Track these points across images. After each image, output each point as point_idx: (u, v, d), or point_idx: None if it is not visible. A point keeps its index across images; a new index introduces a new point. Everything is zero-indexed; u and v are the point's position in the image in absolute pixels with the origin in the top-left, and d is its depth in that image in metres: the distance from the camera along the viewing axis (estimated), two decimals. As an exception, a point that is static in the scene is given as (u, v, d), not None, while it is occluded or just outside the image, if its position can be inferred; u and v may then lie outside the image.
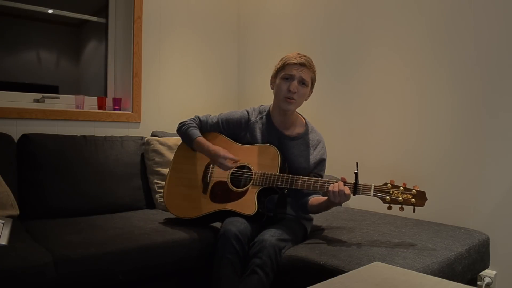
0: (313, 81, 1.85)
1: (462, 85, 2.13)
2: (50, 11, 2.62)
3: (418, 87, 2.29)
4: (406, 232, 1.86)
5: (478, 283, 2.02)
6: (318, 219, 2.10)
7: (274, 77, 1.88)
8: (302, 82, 1.80)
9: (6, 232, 1.57)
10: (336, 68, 2.66)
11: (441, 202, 2.18)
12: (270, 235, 1.66)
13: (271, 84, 1.91)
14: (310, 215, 1.96)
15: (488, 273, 2.02)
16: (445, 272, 1.54)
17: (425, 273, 1.40)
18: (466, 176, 2.11)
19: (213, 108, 3.05)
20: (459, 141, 2.13)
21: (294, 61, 1.79)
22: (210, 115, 2.00)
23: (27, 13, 2.55)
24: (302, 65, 1.79)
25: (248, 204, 1.76)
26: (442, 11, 2.19)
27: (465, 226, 2.02)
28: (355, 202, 2.54)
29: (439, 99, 2.21)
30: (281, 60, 1.85)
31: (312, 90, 1.88)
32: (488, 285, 2.03)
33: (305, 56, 1.83)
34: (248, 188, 1.80)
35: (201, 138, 1.90)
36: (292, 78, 1.79)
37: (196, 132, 1.93)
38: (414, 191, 1.58)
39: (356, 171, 1.64)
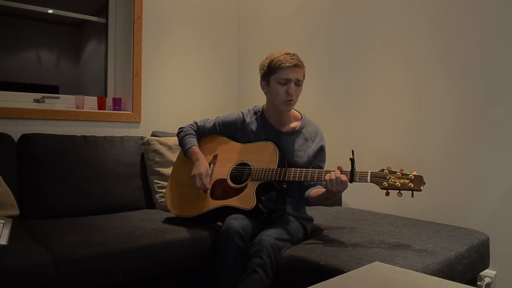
0: (304, 77, 1.86)
1: (464, 82, 2.13)
2: (50, 11, 2.62)
3: (419, 85, 2.29)
4: (406, 232, 1.86)
5: (478, 283, 2.02)
6: (318, 219, 2.10)
7: (265, 79, 1.87)
8: (298, 84, 1.82)
9: (6, 232, 1.58)
10: (336, 65, 2.66)
11: (441, 202, 2.18)
12: (269, 235, 1.66)
13: (262, 88, 1.90)
14: (310, 215, 1.97)
15: (488, 273, 2.02)
16: (445, 272, 1.54)
17: (425, 273, 1.40)
18: (466, 176, 2.11)
19: (213, 108, 3.06)
20: (459, 140, 2.13)
21: (288, 64, 1.78)
22: (208, 119, 2.04)
23: (27, 13, 2.55)
24: (295, 66, 1.79)
25: (247, 198, 1.76)
26: (444, 8, 2.19)
27: (465, 226, 2.02)
28: (355, 202, 2.54)
29: (440, 98, 2.21)
30: (270, 61, 1.82)
31: None
32: (488, 285, 2.03)
33: (293, 54, 1.82)
34: (247, 184, 1.81)
35: (195, 148, 1.95)
36: (289, 81, 1.80)
37: (191, 141, 1.98)
38: (411, 175, 1.57)
39: (352, 158, 1.63)
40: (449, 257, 1.59)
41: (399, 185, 1.57)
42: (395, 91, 2.39)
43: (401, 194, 1.57)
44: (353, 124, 2.57)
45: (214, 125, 2.00)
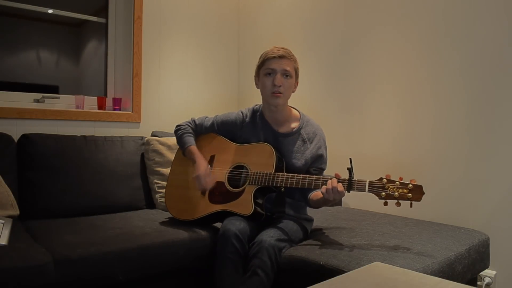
0: (296, 71, 1.84)
1: (465, 84, 2.13)
2: (50, 11, 2.62)
3: (418, 84, 2.29)
4: (406, 232, 1.86)
5: (478, 283, 2.02)
6: (318, 219, 2.10)
7: (257, 75, 1.88)
8: (285, 74, 1.80)
9: (6, 232, 1.58)
10: (336, 66, 2.65)
11: (441, 202, 2.18)
12: (269, 235, 1.66)
13: (256, 84, 1.91)
14: (310, 215, 1.96)
15: (488, 273, 2.02)
16: (445, 272, 1.54)
17: (425, 273, 1.40)
18: (467, 176, 2.11)
19: (213, 108, 3.05)
20: (460, 140, 2.13)
21: (273, 55, 1.79)
22: (207, 117, 2.02)
23: (27, 13, 2.55)
24: (281, 57, 1.78)
25: (245, 204, 1.76)
26: (449, 6, 2.19)
27: (465, 226, 2.02)
28: (355, 202, 2.54)
29: (440, 98, 2.21)
30: (260, 57, 1.85)
31: (297, 81, 1.87)
32: (488, 285, 2.03)
33: (283, 48, 1.82)
34: (244, 188, 1.80)
35: (193, 148, 1.94)
36: (275, 72, 1.79)
37: (189, 139, 1.96)
38: (410, 185, 1.53)
39: (349, 167, 1.61)
40: (449, 257, 1.59)
41: (398, 195, 1.54)
42: (394, 91, 2.38)
43: (399, 204, 1.55)
44: (352, 124, 2.57)
45: (212, 124, 1.98)
